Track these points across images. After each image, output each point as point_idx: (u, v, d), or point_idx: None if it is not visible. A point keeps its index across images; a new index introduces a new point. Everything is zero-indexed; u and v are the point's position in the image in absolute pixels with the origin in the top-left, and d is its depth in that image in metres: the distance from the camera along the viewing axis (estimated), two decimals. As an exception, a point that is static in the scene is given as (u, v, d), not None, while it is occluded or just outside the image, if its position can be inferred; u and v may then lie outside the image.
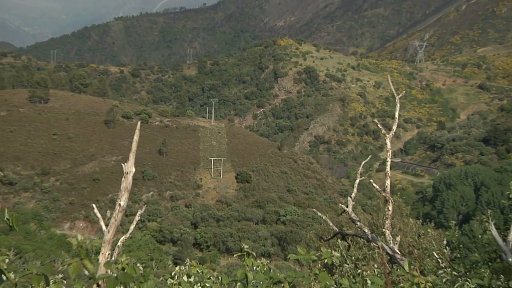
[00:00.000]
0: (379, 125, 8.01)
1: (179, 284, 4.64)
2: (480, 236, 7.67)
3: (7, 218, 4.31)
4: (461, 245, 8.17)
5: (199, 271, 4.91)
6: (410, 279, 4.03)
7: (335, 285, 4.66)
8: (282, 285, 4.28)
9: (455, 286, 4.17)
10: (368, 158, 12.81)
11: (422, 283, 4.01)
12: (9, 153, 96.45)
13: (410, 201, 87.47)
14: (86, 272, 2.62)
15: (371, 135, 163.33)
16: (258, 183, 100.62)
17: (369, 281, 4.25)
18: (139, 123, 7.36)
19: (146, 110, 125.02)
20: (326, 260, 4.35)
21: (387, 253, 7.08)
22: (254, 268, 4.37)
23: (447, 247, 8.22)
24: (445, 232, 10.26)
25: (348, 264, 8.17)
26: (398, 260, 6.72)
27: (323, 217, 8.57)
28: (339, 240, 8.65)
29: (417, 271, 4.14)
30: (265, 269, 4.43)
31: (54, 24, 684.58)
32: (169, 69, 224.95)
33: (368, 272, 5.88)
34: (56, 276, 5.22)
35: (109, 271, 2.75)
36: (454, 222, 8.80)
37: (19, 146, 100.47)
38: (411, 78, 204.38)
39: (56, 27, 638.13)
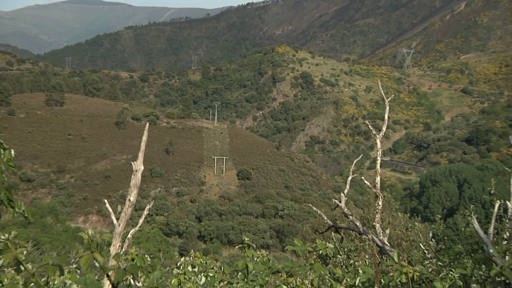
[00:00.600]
0: (369, 126, 8.00)
1: (184, 273, 4.63)
2: (463, 229, 7.67)
3: (23, 210, 4.29)
4: (445, 237, 8.17)
5: (203, 261, 4.90)
6: (399, 268, 4.02)
7: (329, 274, 4.65)
8: (280, 274, 4.27)
9: (440, 275, 4.16)
10: (360, 157, 12.82)
11: (410, 273, 4.00)
12: (27, 152, 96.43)
13: (398, 197, 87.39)
14: (97, 264, 2.61)
15: (363, 135, 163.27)
16: (257, 180, 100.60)
17: (360, 271, 4.24)
18: (147, 124, 7.36)
19: (154, 112, 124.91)
20: (321, 252, 4.34)
21: (377, 245, 7.08)
22: (254, 259, 4.36)
23: (432, 239, 8.21)
24: (431, 225, 10.26)
25: (341, 255, 8.17)
26: (388, 251, 6.71)
27: (318, 212, 8.56)
28: (332, 233, 8.65)
29: (405, 261, 4.12)
30: (264, 260, 4.42)
31: (69, 33, 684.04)
32: (175, 74, 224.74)
33: (360, 262, 5.86)
34: (70, 266, 5.21)
35: (118, 263, 2.74)
36: (439, 216, 8.79)
37: (36, 146, 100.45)
38: (399, 82, 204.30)
39: (71, 35, 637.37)
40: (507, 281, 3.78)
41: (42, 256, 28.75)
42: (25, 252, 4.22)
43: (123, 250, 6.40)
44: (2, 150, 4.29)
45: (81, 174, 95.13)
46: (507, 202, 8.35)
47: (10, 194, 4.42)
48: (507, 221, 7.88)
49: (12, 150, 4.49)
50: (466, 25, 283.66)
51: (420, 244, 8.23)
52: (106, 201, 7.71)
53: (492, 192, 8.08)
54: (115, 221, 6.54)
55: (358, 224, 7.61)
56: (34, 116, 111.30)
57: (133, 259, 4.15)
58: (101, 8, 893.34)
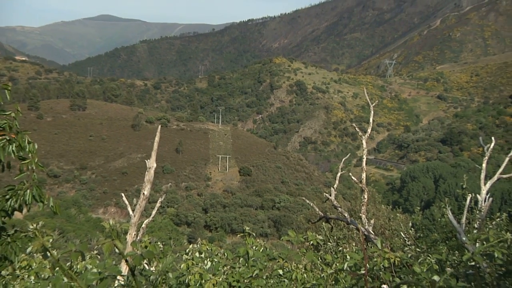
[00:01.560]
0: (356, 129, 8.00)
1: (192, 259, 4.63)
2: (439, 219, 7.66)
3: (52, 206, 4.29)
4: (423, 227, 8.16)
5: (208, 248, 4.89)
6: (382, 254, 4.01)
7: (320, 260, 4.65)
8: (277, 260, 4.27)
9: (419, 260, 4.16)
10: (348, 155, 12.78)
11: (392, 258, 4.00)
12: (54, 151, 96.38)
13: (381, 191, 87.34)
14: (117, 251, 2.60)
15: (350, 136, 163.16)
16: (257, 176, 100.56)
17: (348, 257, 4.24)
18: (159, 126, 7.39)
19: (165, 116, 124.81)
20: (312, 242, 4.35)
21: (363, 233, 7.07)
22: (254, 246, 4.36)
23: (412, 228, 8.20)
24: (410, 216, 10.25)
25: (331, 243, 8.17)
26: (372, 239, 6.71)
27: (311, 204, 8.56)
28: (323, 223, 8.64)
29: (388, 248, 4.12)
30: (263, 247, 4.42)
31: (91, 46, 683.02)
32: (184, 82, 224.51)
33: (348, 249, 5.86)
34: (92, 252, 5.20)
35: (135, 249, 2.74)
36: (418, 208, 8.79)
37: (62, 146, 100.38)
38: (383, 90, 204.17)
39: (92, 48, 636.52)
40: (477, 265, 3.78)
41: (67, 243, 28.78)
42: (51, 240, 4.22)
43: (138, 238, 6.41)
44: (27, 145, 4.29)
45: (101, 171, 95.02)
46: (477, 195, 8.35)
47: (40, 190, 4.41)
48: (477, 212, 7.89)
49: (36, 144, 4.47)
50: (441, 39, 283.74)
51: (401, 233, 8.24)
52: (123, 194, 7.72)
53: (464, 186, 8.08)
54: (131, 212, 6.54)
55: (346, 215, 7.61)
56: (59, 120, 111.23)
57: (147, 246, 4.15)
58: (119, 24, 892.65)
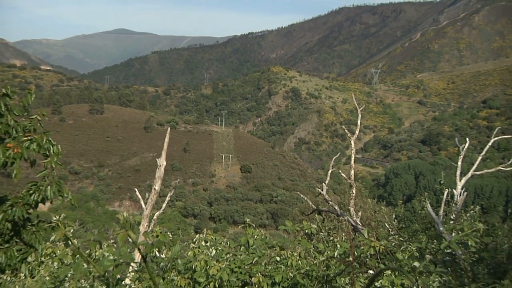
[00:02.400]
0: (345, 130, 8.01)
1: (199, 247, 4.62)
2: (419, 211, 7.66)
3: (70, 199, 4.28)
4: (405, 218, 8.16)
5: (213, 238, 4.89)
6: (368, 243, 4.01)
7: (313, 248, 4.64)
8: (274, 248, 4.27)
9: (401, 248, 4.16)
10: (338, 154, 12.77)
11: (377, 246, 4.00)
12: (75, 151, 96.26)
13: (368, 186, 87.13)
14: (130, 240, 2.60)
15: (340, 137, 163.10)
16: (256, 173, 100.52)
17: (338, 245, 4.24)
18: (169, 129, 7.39)
19: (174, 119, 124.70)
20: (306, 230, 4.34)
21: (351, 224, 7.07)
22: (254, 236, 4.35)
23: (395, 220, 8.19)
24: (394, 209, 10.25)
25: (323, 233, 8.16)
26: (360, 229, 6.71)
27: (305, 198, 8.55)
28: (316, 215, 8.65)
29: (373, 237, 4.12)
30: (262, 236, 4.41)
31: (108, 57, 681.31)
32: (191, 89, 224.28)
33: (338, 238, 5.86)
34: (108, 241, 5.20)
35: (146, 239, 2.74)
36: (400, 201, 8.79)
37: (82, 146, 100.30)
38: (369, 96, 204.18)
39: (109, 59, 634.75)
40: (454, 252, 3.78)
41: (86, 233, 28.77)
42: (72, 230, 4.21)
43: (150, 228, 6.41)
44: (51, 146, 4.30)
45: (117, 168, 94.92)
46: (454, 190, 8.36)
47: (59, 186, 4.41)
48: (453, 205, 7.89)
49: (59, 146, 4.47)
50: (421, 51, 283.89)
51: (385, 224, 8.24)
52: (136, 189, 7.71)
53: (442, 182, 8.07)
54: (143, 206, 6.53)
55: (336, 208, 7.61)
56: (80, 122, 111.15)
57: (158, 236, 4.15)
58: (133, 37, 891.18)
